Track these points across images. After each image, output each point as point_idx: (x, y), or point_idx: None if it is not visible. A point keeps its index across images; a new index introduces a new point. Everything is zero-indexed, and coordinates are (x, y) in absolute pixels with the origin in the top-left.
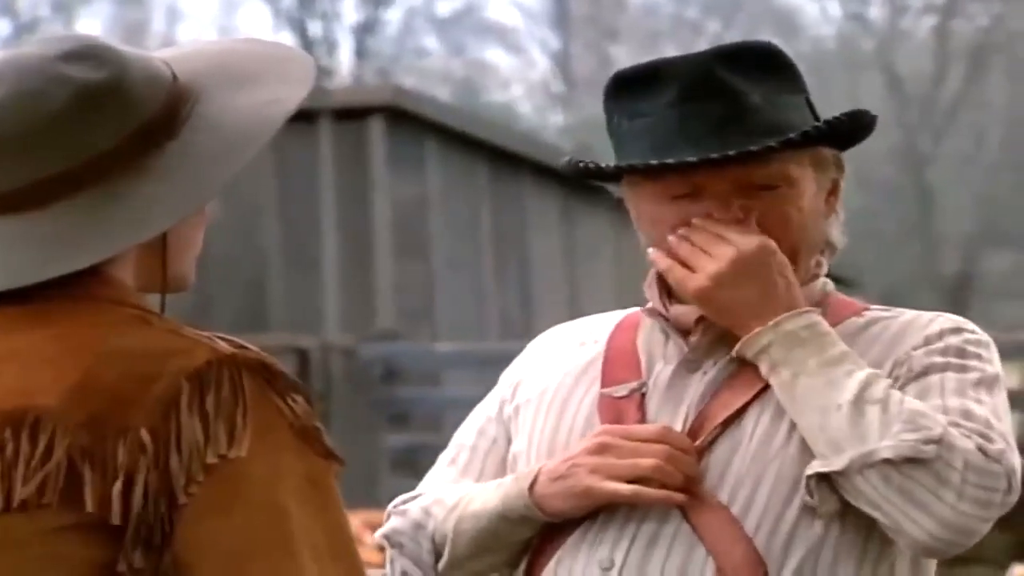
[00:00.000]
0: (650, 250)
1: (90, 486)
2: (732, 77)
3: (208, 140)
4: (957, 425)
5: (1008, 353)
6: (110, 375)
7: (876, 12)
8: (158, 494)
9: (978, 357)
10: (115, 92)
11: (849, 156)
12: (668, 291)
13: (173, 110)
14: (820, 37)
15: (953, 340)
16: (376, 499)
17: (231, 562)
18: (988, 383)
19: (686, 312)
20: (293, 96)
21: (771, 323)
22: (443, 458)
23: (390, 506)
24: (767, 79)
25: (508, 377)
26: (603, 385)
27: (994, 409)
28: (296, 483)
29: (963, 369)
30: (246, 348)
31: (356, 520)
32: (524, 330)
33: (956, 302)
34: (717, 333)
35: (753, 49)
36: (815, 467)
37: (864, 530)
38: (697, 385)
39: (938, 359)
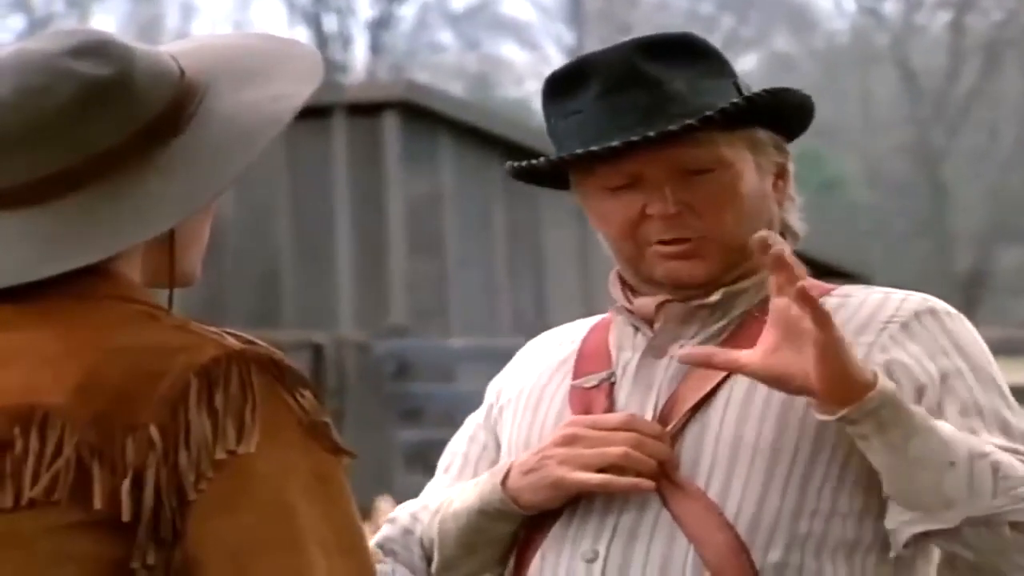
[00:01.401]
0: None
1: (99, 483)
2: (654, 67)
3: (215, 137)
4: (1016, 451)
5: (1020, 349)
6: (117, 372)
7: (890, 7)
8: (168, 491)
9: (974, 342)
10: (121, 88)
11: (862, 152)
12: (630, 287)
13: (180, 106)
14: (834, 32)
15: (936, 328)
16: (388, 494)
17: (240, 558)
18: (996, 374)
19: (647, 303)
20: (301, 92)
21: (879, 386)
22: (439, 466)
23: (387, 517)
24: (689, 66)
25: (494, 384)
26: (574, 378)
27: (1019, 411)
28: (305, 479)
29: (977, 369)
30: (255, 344)
31: None
32: (537, 326)
33: (969, 298)
34: (679, 318)
35: (673, 39)
36: (922, 524)
37: (855, 517)
38: (665, 371)
39: (944, 362)
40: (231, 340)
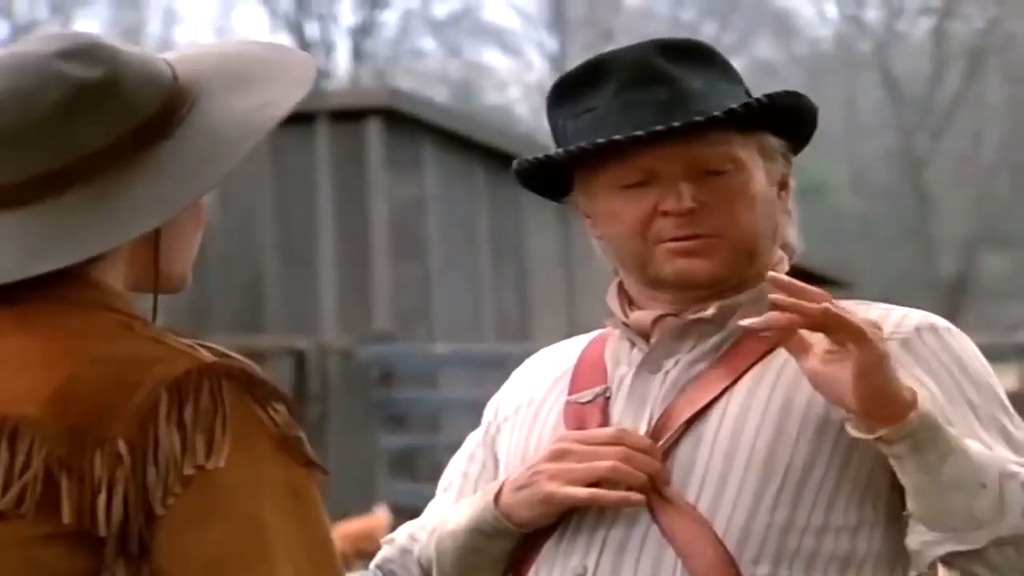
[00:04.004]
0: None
1: (67, 497)
2: (672, 66)
3: (200, 141)
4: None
5: (1005, 354)
6: (90, 384)
7: (873, 14)
8: (135, 505)
9: (975, 358)
10: (110, 91)
11: (846, 158)
12: (629, 300)
13: (171, 110)
14: (817, 39)
15: (937, 346)
16: (374, 500)
17: (210, 572)
18: (998, 389)
19: (644, 316)
20: (287, 99)
21: (919, 408)
22: (440, 486)
23: (385, 537)
24: (705, 69)
25: (492, 402)
26: (570, 394)
27: (1020, 424)
28: (276, 494)
29: (979, 386)
30: (228, 356)
31: None
32: (521, 331)
33: (953, 304)
34: (676, 332)
35: (689, 43)
36: (948, 545)
37: (849, 532)
38: (659, 385)
39: (946, 379)
40: (204, 353)
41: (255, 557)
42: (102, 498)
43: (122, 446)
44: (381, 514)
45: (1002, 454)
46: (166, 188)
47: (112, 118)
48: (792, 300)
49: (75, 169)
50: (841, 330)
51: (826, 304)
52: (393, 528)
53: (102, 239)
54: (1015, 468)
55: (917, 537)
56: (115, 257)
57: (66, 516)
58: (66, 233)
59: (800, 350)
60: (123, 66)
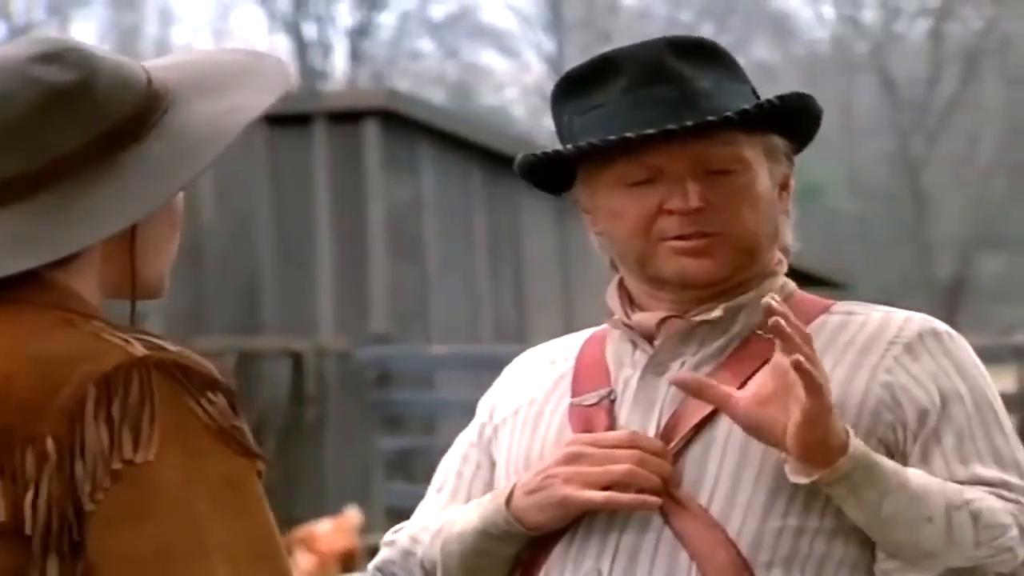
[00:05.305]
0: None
1: (1, 495)
2: (681, 64)
3: (168, 146)
4: (1005, 485)
5: (1001, 356)
6: (22, 383)
7: (870, 15)
8: (63, 502)
9: (974, 366)
10: (83, 95)
11: (843, 159)
12: (630, 300)
13: (144, 114)
14: (814, 40)
15: (938, 350)
16: (370, 501)
17: (143, 569)
18: (994, 398)
19: (648, 318)
20: (257, 104)
21: (850, 451)
22: (432, 487)
23: (383, 538)
24: (713, 68)
25: (485, 402)
26: (573, 396)
27: (1014, 439)
28: (211, 486)
29: (976, 394)
30: (162, 348)
31: None
32: (518, 333)
33: (950, 305)
34: (680, 334)
35: (699, 41)
36: (906, 572)
37: (859, 536)
38: (667, 388)
39: (946, 384)
40: (137, 346)
41: (190, 552)
42: (29, 496)
43: (49, 443)
44: (351, 514)
45: (976, 467)
46: (133, 191)
47: (85, 121)
48: (787, 329)
49: (47, 172)
50: (805, 378)
51: (800, 355)
52: (388, 529)
53: (69, 241)
54: (968, 495)
55: (879, 563)
56: (87, 261)
57: (1, 514)
58: (35, 235)
59: (723, 399)
60: (98, 70)
